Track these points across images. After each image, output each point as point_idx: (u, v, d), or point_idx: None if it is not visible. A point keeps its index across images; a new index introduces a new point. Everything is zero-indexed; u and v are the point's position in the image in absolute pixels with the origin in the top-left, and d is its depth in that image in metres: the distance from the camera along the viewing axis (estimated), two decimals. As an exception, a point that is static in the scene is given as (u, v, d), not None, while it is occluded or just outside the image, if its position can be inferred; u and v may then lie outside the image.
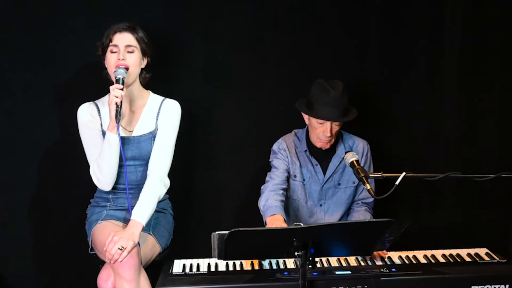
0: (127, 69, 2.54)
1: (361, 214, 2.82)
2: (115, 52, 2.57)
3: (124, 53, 2.56)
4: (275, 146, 2.88)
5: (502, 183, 2.70)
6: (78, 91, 2.95)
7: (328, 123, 2.67)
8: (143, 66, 2.67)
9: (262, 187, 2.81)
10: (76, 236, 2.88)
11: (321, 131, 2.69)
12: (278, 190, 2.74)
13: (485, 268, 2.45)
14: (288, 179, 2.83)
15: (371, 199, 2.87)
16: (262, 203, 2.70)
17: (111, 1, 3.01)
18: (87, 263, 2.80)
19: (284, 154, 2.84)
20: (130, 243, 2.38)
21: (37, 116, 3.04)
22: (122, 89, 2.50)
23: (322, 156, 2.83)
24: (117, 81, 2.52)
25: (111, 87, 2.51)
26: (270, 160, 2.89)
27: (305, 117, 2.79)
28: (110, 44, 2.57)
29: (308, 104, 2.73)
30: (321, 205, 2.85)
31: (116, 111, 2.48)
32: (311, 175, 2.83)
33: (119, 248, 2.35)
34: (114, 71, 2.53)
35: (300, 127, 2.91)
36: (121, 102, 2.49)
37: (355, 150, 2.82)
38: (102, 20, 2.64)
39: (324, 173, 2.83)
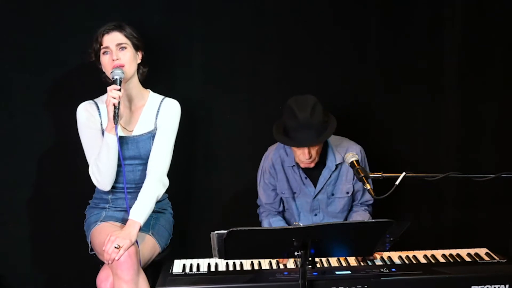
0: (123, 67, 2.53)
1: (359, 215, 2.78)
2: (108, 53, 2.56)
3: (117, 52, 2.55)
4: (261, 164, 2.85)
5: (502, 183, 2.71)
6: (78, 91, 2.94)
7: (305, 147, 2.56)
8: (139, 61, 2.66)
9: (259, 211, 2.93)
10: (76, 236, 2.87)
11: (300, 153, 2.59)
12: (275, 215, 2.84)
13: (485, 268, 2.45)
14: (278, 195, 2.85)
15: (372, 201, 2.84)
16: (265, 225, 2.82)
17: (111, 1, 3.01)
18: (86, 263, 2.80)
19: (270, 172, 2.79)
20: (126, 241, 2.38)
21: (37, 116, 3.04)
22: (119, 90, 2.49)
23: (311, 170, 2.71)
24: (114, 82, 2.51)
25: (108, 88, 2.50)
26: (257, 179, 2.87)
27: None
28: (101, 47, 2.56)
29: (283, 129, 2.60)
30: (315, 215, 2.81)
31: (114, 112, 2.48)
32: (300, 188, 2.77)
33: (115, 247, 2.35)
34: (111, 72, 2.53)
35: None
36: (118, 103, 2.48)
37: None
38: (102, 20, 2.64)
39: (315, 186, 2.76)
